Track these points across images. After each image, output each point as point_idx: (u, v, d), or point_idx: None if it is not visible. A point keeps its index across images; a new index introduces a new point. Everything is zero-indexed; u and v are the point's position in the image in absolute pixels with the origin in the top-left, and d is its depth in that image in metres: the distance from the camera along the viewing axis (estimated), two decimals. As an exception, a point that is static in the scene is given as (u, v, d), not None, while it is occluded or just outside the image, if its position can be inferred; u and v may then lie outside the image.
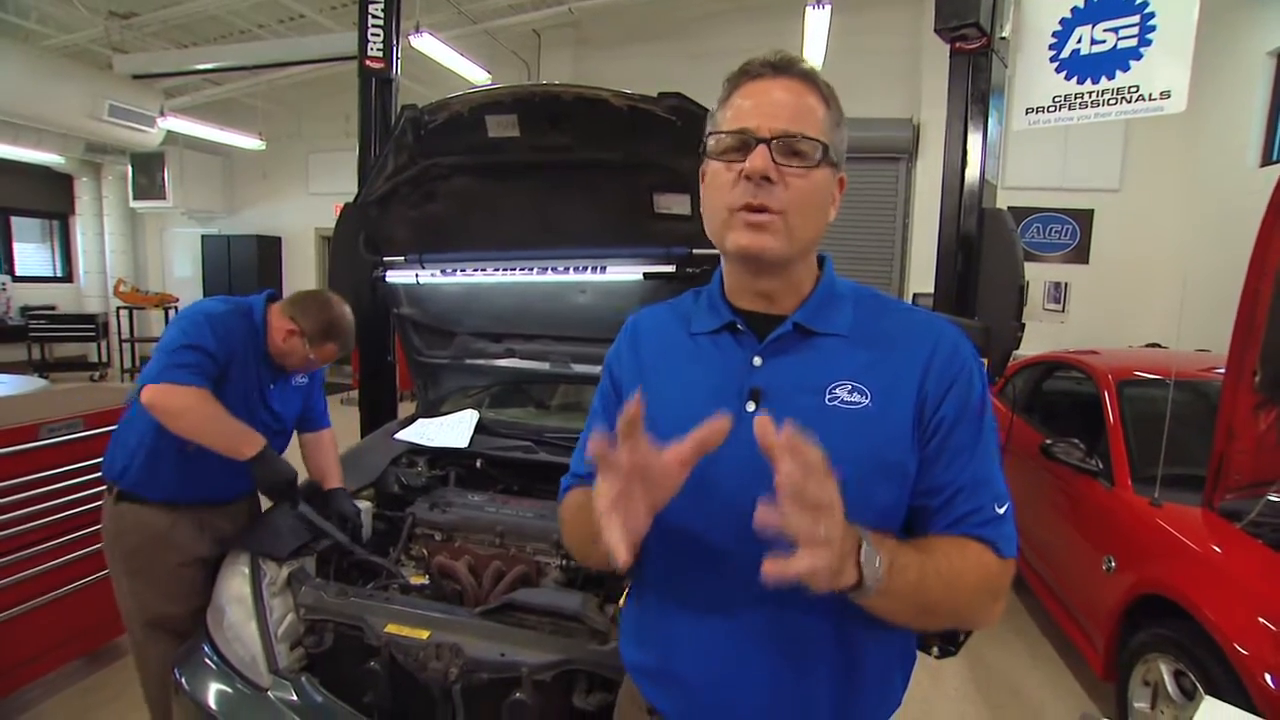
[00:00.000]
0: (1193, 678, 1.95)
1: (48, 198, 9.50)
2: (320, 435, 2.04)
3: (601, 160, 1.91)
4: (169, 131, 7.93)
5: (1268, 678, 1.68)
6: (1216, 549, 2.12)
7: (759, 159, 0.76)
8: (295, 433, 2.02)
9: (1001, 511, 0.79)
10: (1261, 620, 1.79)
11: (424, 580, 1.80)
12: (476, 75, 6.61)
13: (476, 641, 1.41)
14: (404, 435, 2.46)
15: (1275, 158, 5.16)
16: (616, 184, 1.98)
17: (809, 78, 0.81)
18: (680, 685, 0.87)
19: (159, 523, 1.73)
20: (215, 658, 1.60)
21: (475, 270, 2.15)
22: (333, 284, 3.07)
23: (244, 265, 9.44)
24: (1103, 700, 2.61)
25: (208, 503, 1.81)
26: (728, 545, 0.81)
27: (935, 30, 2.67)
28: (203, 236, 9.77)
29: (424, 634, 1.45)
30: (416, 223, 2.17)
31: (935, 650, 3.07)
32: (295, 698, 1.52)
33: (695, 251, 2.10)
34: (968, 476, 0.79)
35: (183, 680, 1.59)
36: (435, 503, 2.06)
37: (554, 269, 2.13)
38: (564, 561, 1.84)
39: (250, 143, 8.58)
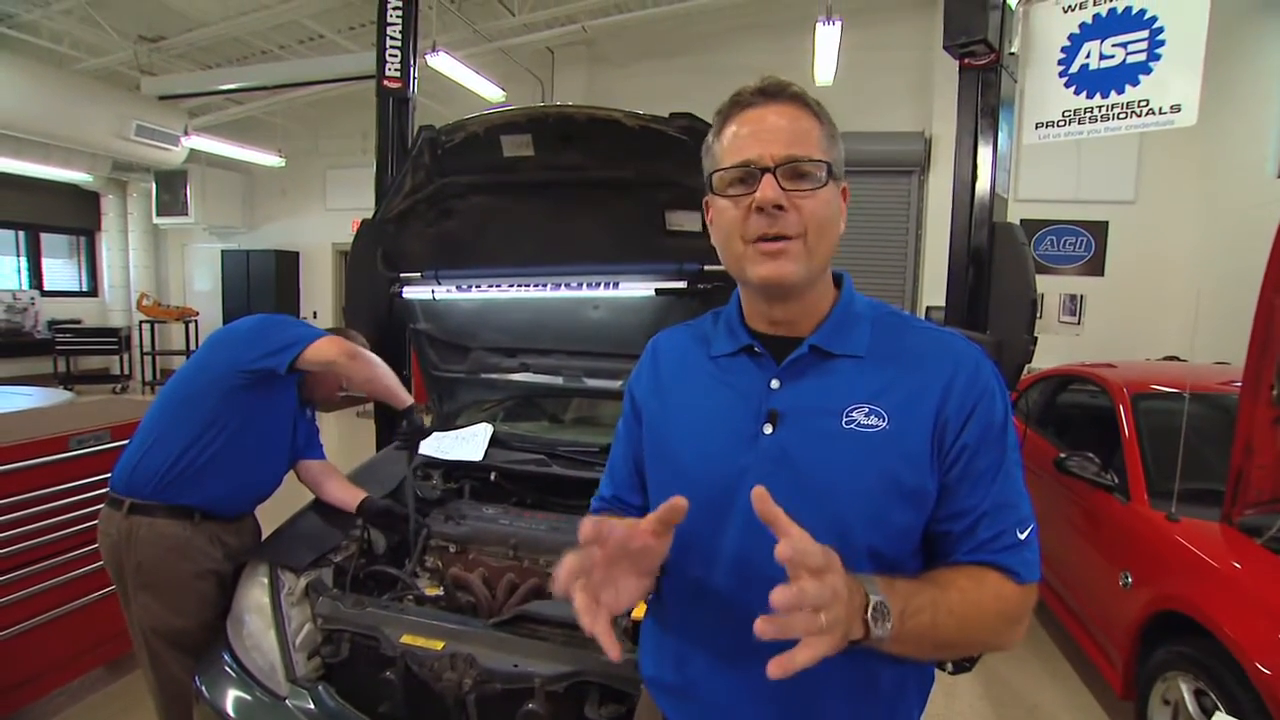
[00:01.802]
0: (1214, 697, 1.92)
1: (75, 214, 9.75)
2: (324, 462, 2.09)
3: (614, 178, 1.94)
4: (192, 149, 8.13)
5: (1288, 696, 1.65)
6: (1236, 565, 2.09)
7: (769, 189, 0.76)
8: (300, 462, 2.06)
9: (1024, 536, 0.78)
10: (1282, 638, 1.77)
11: (439, 592, 1.82)
12: (492, 93, 6.72)
13: (490, 652, 1.43)
14: (422, 449, 2.49)
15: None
16: (629, 201, 2.02)
17: (800, 99, 0.81)
18: (697, 703, 0.88)
19: (176, 534, 1.75)
20: (235, 666, 1.63)
21: (490, 286, 2.18)
22: (350, 298, 3.14)
23: (263, 280, 9.59)
24: (1122, 719, 2.57)
25: (222, 515, 1.85)
26: (745, 567, 0.81)
27: (944, 47, 2.70)
28: (223, 252, 9.96)
29: (439, 645, 1.47)
30: (433, 240, 2.21)
31: (950, 666, 3.05)
32: (312, 706, 1.54)
33: (707, 268, 2.13)
34: (990, 502, 0.78)
35: (203, 689, 1.62)
36: (450, 515, 2.08)
37: (567, 285, 2.16)
38: None
39: (270, 160, 8.76)
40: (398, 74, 3.52)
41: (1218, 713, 1.75)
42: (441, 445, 2.50)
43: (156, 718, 1.87)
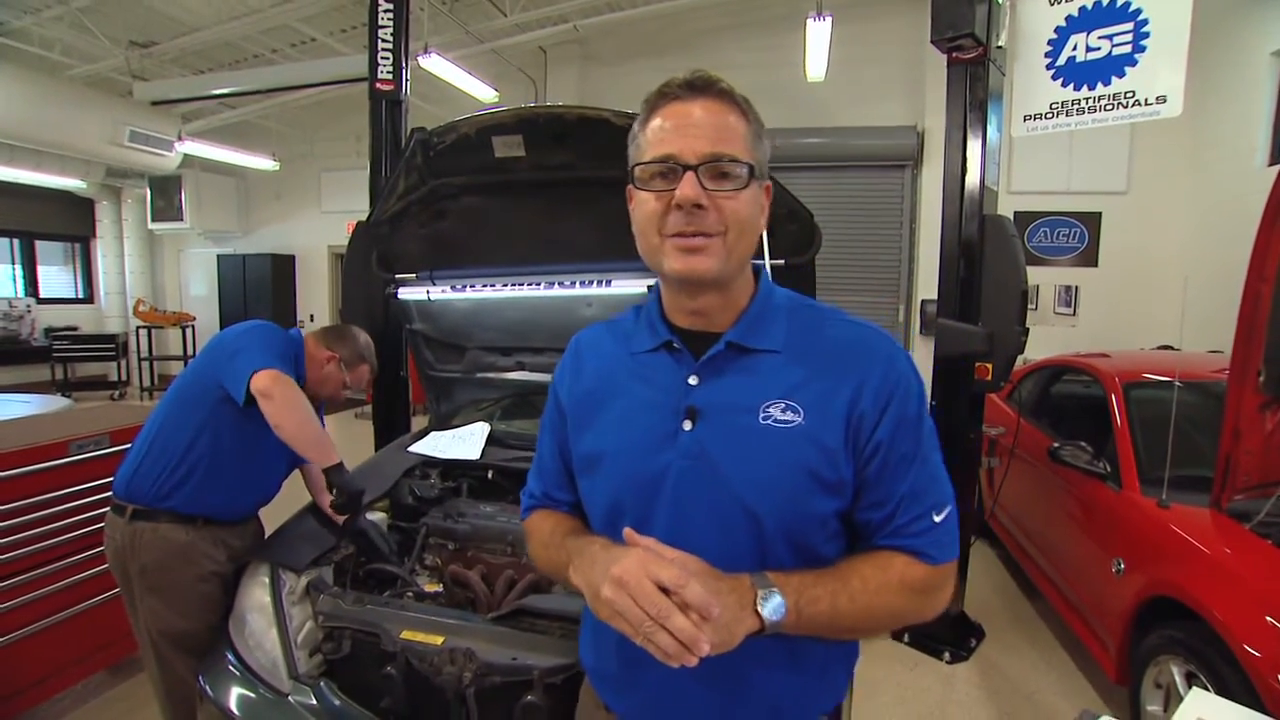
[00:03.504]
0: (1204, 679, 1.95)
1: (70, 221, 9.74)
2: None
3: (605, 177, 1.96)
4: (186, 155, 8.12)
5: (1278, 681, 1.68)
6: (1225, 550, 2.12)
7: (689, 188, 0.76)
8: (304, 465, 2.07)
9: (940, 519, 0.81)
10: (1271, 621, 1.80)
11: (438, 588, 1.85)
12: (484, 93, 6.72)
13: (489, 646, 1.45)
14: (417, 448, 2.51)
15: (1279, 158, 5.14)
16: (619, 200, 2.03)
17: (728, 95, 0.80)
18: (638, 690, 0.90)
19: (178, 538, 1.77)
20: (238, 665, 1.65)
21: (485, 286, 2.21)
22: (345, 301, 3.16)
23: (259, 283, 9.59)
24: (1116, 704, 2.60)
25: (225, 520, 1.86)
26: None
27: (932, 41, 2.72)
28: (218, 256, 9.96)
29: (438, 640, 1.49)
30: (427, 240, 2.23)
31: (947, 656, 3.09)
32: (314, 702, 1.56)
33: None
34: (907, 487, 0.81)
35: (207, 687, 1.64)
36: (448, 513, 2.11)
37: (561, 284, 2.19)
38: None
39: (264, 163, 8.76)
40: (390, 76, 3.54)
41: (1194, 686, 1.77)
42: (439, 444, 2.52)
43: (162, 718, 1.89)
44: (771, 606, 0.72)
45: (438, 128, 1.88)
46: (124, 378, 9.47)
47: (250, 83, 6.99)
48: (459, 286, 2.24)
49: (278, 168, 8.88)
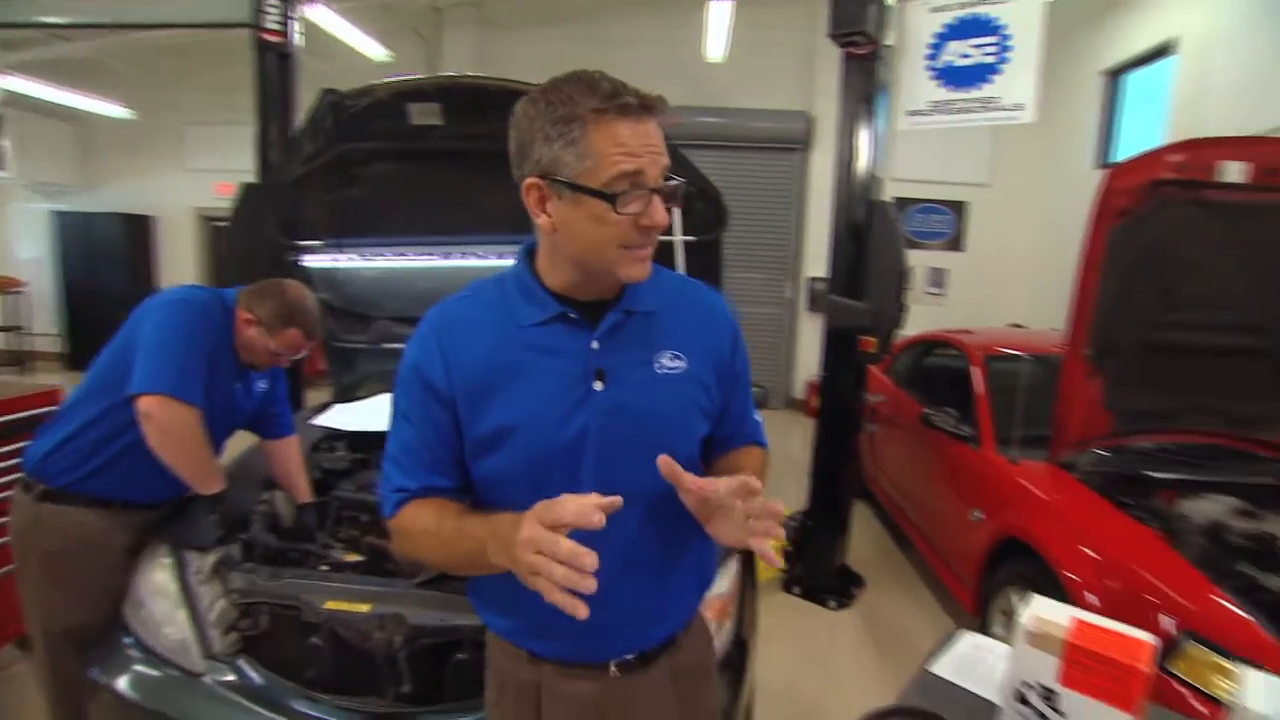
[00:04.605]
0: (1039, 604, 2.30)
1: None
2: (289, 442, 1.98)
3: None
4: (8, 92, 7.05)
5: (1091, 597, 2.02)
6: (1056, 496, 2.50)
7: (661, 214, 0.85)
8: (265, 442, 1.97)
9: (759, 418, 1.12)
10: (1085, 549, 2.15)
11: (359, 558, 1.83)
12: (374, 51, 6.35)
13: (418, 610, 1.48)
14: (320, 421, 2.44)
15: (1105, 162, 5.88)
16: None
17: (660, 120, 0.86)
18: (561, 629, 0.93)
19: (91, 524, 1.65)
20: (139, 650, 1.58)
21: (397, 255, 2.16)
22: (228, 267, 2.95)
23: (108, 246, 8.53)
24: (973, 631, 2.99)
25: (144, 505, 1.73)
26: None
27: (829, 35, 2.90)
28: (54, 213, 8.78)
29: (365, 607, 1.50)
30: (335, 207, 2.16)
31: (833, 604, 3.39)
32: (234, 678, 1.53)
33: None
34: (742, 404, 1.08)
35: (103, 679, 1.55)
36: (362, 485, 2.08)
37: (479, 254, 2.19)
38: None
39: (113, 110, 7.79)
40: (278, 26, 3.30)
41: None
42: (344, 417, 2.46)
43: (48, 715, 1.76)
44: None
45: (352, 91, 1.81)
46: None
47: (91, 13, 6.14)
48: (369, 255, 2.18)
49: (133, 117, 7.94)
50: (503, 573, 0.82)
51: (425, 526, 0.92)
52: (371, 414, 2.41)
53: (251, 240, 2.62)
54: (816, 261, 6.30)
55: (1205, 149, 2.37)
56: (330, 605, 1.51)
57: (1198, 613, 1.80)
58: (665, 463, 0.84)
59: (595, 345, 0.92)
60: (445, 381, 0.92)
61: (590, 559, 0.70)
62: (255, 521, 1.81)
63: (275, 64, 3.31)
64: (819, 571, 3.43)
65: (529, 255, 0.97)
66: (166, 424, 1.54)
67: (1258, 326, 2.58)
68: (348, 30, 5.91)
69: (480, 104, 1.79)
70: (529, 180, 0.86)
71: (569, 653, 1.00)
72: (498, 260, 2.17)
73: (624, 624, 1.00)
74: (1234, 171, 2.29)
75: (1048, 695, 0.82)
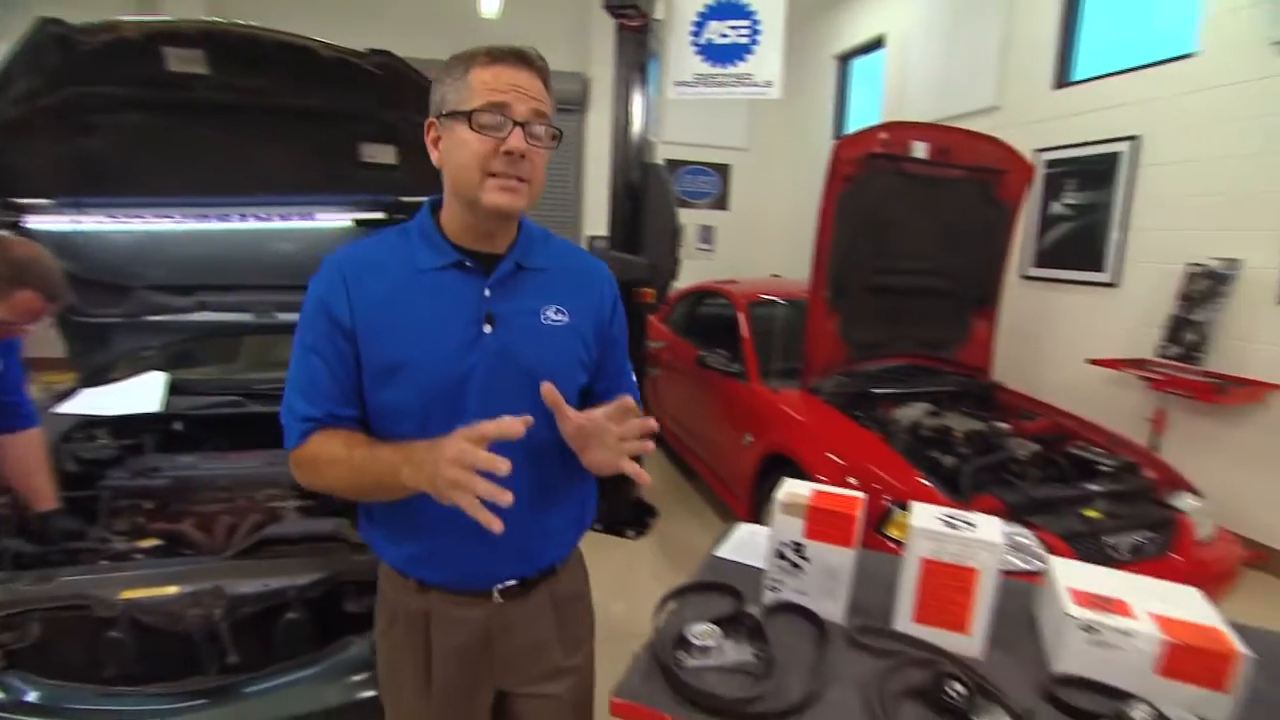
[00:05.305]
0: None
1: None
2: (26, 436, 1.69)
3: (303, 107, 1.88)
4: None
5: (834, 490, 2.54)
6: (809, 416, 3.04)
7: (518, 140, 0.93)
8: None
9: (634, 376, 1.21)
10: (831, 456, 2.68)
11: (154, 543, 1.70)
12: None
13: (237, 580, 1.44)
14: (68, 408, 2.14)
15: (838, 134, 6.91)
16: (320, 131, 1.97)
17: (545, 71, 0.99)
18: (452, 557, 1.07)
19: None
20: None
21: (157, 217, 1.94)
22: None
23: None
24: (747, 539, 3.52)
25: None
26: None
27: (604, 7, 3.07)
28: None
29: (170, 590, 1.43)
30: (67, 159, 1.86)
31: (631, 534, 3.74)
32: (2, 696, 1.37)
33: (403, 199, 2.23)
34: (619, 364, 1.17)
35: None
36: (139, 471, 1.89)
37: (255, 216, 2.04)
38: (302, 501, 1.89)
39: None
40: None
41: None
42: (99, 401, 2.19)
43: None
44: None
45: (85, 25, 1.57)
46: None
47: None
48: (119, 217, 1.93)
49: None
50: (403, 499, 0.93)
51: (334, 454, 0.97)
52: (136, 395, 2.17)
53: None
54: (595, 220, 6.55)
55: (900, 130, 2.98)
56: (128, 595, 1.41)
57: (904, 489, 2.37)
58: (548, 390, 0.92)
59: (488, 293, 1.00)
60: (349, 316, 0.98)
61: (504, 464, 0.80)
62: None
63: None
64: (617, 506, 3.72)
65: (434, 209, 1.06)
66: None
67: (941, 271, 3.35)
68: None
69: (253, 55, 1.67)
70: (428, 121, 0.98)
71: (456, 580, 1.08)
72: (281, 223, 2.05)
73: (508, 554, 1.07)
74: (920, 149, 2.92)
75: (797, 548, 1.11)
